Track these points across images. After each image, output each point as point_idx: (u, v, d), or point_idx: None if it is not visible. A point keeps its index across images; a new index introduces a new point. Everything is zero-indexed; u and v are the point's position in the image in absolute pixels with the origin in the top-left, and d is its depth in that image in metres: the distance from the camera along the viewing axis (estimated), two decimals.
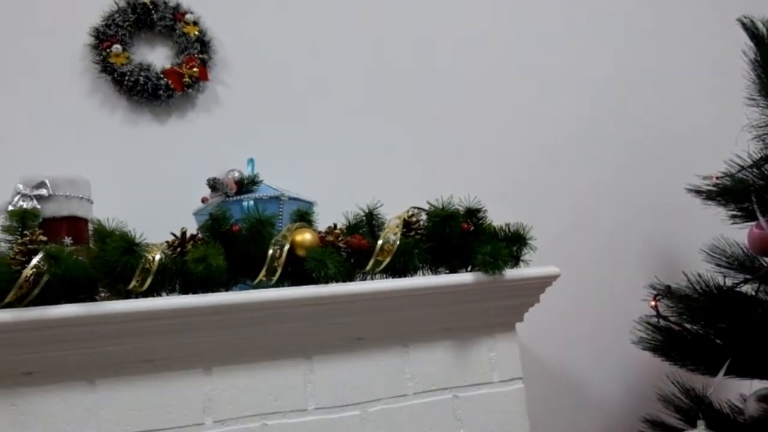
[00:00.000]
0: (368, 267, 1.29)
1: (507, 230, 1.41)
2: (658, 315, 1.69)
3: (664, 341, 1.71)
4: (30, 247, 1.12)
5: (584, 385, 2.00)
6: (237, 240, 1.24)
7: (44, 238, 1.14)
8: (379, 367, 1.31)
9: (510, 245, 1.39)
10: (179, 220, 1.38)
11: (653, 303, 1.71)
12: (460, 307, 1.35)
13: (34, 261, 1.10)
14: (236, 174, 1.47)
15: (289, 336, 1.25)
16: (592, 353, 2.02)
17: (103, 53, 1.72)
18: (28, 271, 1.09)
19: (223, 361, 1.22)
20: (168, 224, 1.25)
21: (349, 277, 1.28)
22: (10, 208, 1.33)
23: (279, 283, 1.24)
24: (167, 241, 1.22)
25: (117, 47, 1.72)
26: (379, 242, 1.30)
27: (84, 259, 1.14)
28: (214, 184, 1.44)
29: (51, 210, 1.32)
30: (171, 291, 1.19)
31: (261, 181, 1.48)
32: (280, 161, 1.74)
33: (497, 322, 1.41)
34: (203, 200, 1.49)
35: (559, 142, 2.15)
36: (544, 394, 1.89)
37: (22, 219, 1.18)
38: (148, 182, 1.71)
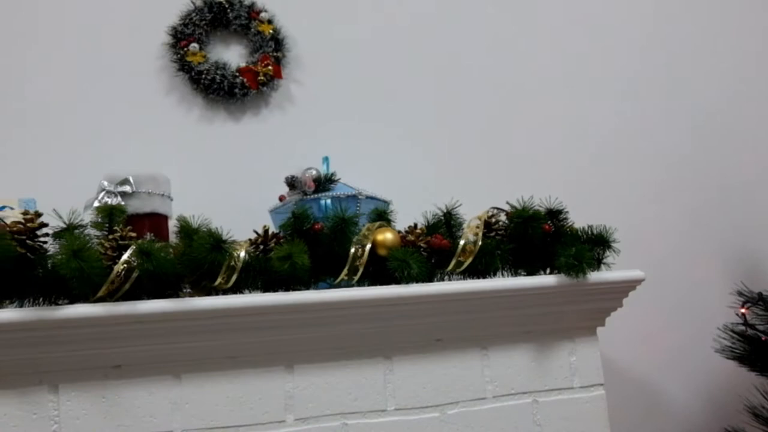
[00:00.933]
0: (449, 267, 1.28)
1: (590, 232, 1.37)
2: (746, 323, 1.63)
3: (751, 351, 1.65)
4: (120, 242, 1.14)
5: (662, 393, 1.95)
6: (319, 238, 1.24)
7: (134, 234, 1.16)
8: (458, 369, 1.30)
9: (593, 247, 1.35)
10: (254, 217, 1.40)
11: (743, 310, 1.65)
12: (541, 309, 1.33)
13: (125, 256, 1.12)
14: (314, 172, 1.47)
15: (370, 336, 1.25)
16: (671, 360, 1.96)
17: (181, 52, 1.75)
18: (119, 267, 1.11)
19: (305, 360, 1.22)
20: (242, 222, 1.26)
21: (429, 278, 1.27)
22: (96, 204, 1.36)
23: (360, 283, 1.24)
24: (250, 239, 1.23)
25: (194, 46, 1.75)
26: (461, 242, 1.29)
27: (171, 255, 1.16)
28: (292, 182, 1.45)
29: (134, 206, 1.35)
30: (253, 289, 1.20)
31: (338, 180, 1.48)
32: (352, 159, 1.74)
33: (578, 326, 1.38)
34: (281, 198, 1.50)
35: (633, 140, 2.09)
36: (621, 401, 1.85)
37: (109, 215, 1.20)
38: (223, 180, 1.74)
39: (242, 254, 1.17)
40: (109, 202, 1.36)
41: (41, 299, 1.12)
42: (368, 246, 1.24)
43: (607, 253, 1.38)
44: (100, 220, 1.19)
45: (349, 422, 1.23)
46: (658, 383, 1.93)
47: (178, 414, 1.16)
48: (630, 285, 1.36)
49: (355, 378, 1.24)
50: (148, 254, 1.09)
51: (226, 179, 1.73)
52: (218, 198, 1.69)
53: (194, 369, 1.18)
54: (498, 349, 1.32)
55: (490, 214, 1.37)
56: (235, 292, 1.18)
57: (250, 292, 1.19)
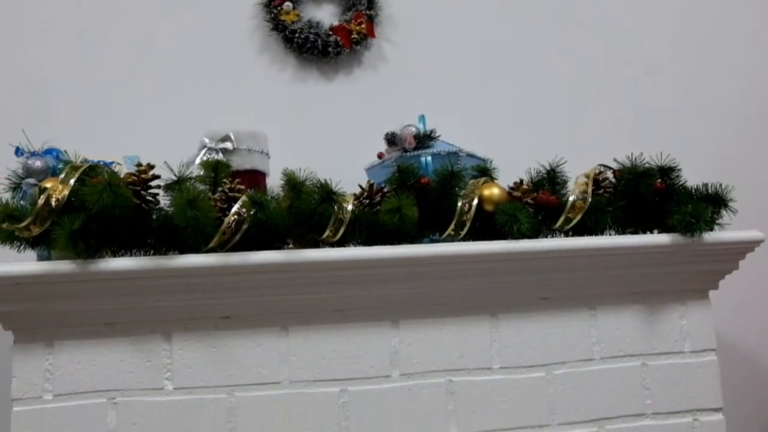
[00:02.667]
0: (558, 224, 1.24)
1: (704, 190, 1.31)
2: None
3: None
4: (230, 195, 1.15)
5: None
6: (425, 193, 1.22)
7: (242, 187, 1.16)
8: (565, 329, 1.26)
9: (707, 207, 1.29)
10: (348, 176, 1.37)
11: None
12: (651, 270, 1.28)
13: (235, 208, 1.12)
14: (413, 129, 1.44)
15: (476, 292, 1.22)
16: None
17: (274, 11, 1.74)
18: (230, 218, 1.11)
19: (410, 315, 1.21)
20: (336, 180, 1.23)
21: (536, 234, 1.23)
22: (198, 161, 1.37)
23: (466, 238, 1.21)
24: (354, 194, 1.22)
25: (288, 5, 1.74)
26: (571, 198, 1.24)
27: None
28: (392, 139, 1.43)
29: (234, 163, 1.35)
30: (359, 242, 1.19)
31: (438, 137, 1.45)
32: (446, 120, 1.70)
33: (690, 289, 1.32)
34: (379, 156, 1.48)
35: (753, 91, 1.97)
36: (731, 370, 1.76)
37: (214, 170, 1.20)
38: (315, 140, 1.73)
39: (350, 207, 1.15)
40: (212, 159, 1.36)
41: (155, 250, 1.13)
42: (475, 200, 1.21)
43: (723, 212, 1.31)
44: (205, 174, 1.19)
45: (454, 379, 1.21)
46: (763, 356, 1.84)
47: (285, 366, 1.17)
48: (748, 246, 1.29)
49: (460, 335, 1.22)
50: (261, 204, 1.08)
51: (319, 139, 1.72)
52: (310, 157, 1.65)
53: (301, 322, 1.18)
54: (606, 309, 1.28)
55: (598, 171, 1.32)
56: (340, 246, 1.16)
57: (355, 246, 1.18)
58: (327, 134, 1.74)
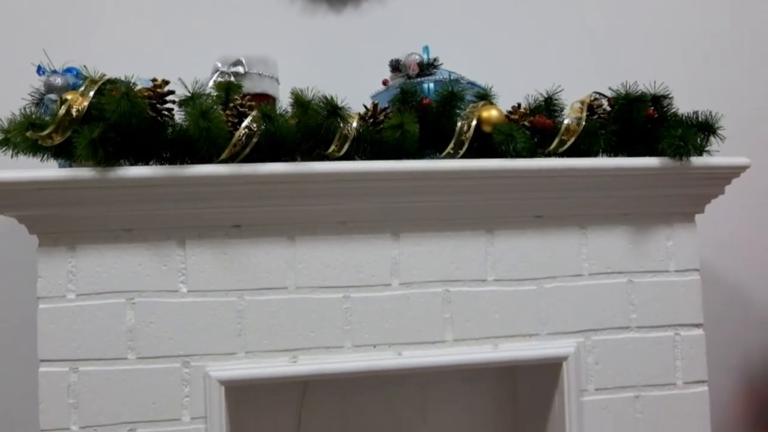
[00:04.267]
0: (552, 146, 1.27)
1: (695, 118, 1.33)
2: None
3: None
4: (241, 110, 1.18)
5: (749, 295, 1.90)
6: (426, 114, 1.24)
7: (253, 104, 1.19)
8: (557, 246, 1.31)
9: (696, 132, 1.31)
10: (354, 104, 1.39)
11: None
12: (641, 192, 1.31)
13: (246, 122, 1.15)
14: (417, 57, 1.46)
15: (473, 208, 1.26)
16: (764, 258, 1.90)
17: None
18: (241, 131, 1.14)
19: (410, 229, 1.25)
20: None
21: (532, 155, 1.26)
22: (211, 83, 1.39)
23: (464, 157, 1.24)
24: (359, 113, 1.24)
25: None
26: (566, 121, 1.27)
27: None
28: (396, 65, 1.45)
29: (246, 87, 1.37)
30: (363, 158, 1.22)
31: (441, 65, 1.47)
32: (451, 53, 1.71)
33: (677, 212, 1.36)
34: (384, 83, 1.50)
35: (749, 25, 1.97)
36: (712, 293, 1.80)
37: (227, 90, 1.23)
38: (323, 70, 1.74)
39: (354, 124, 1.19)
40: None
41: (170, 161, 1.16)
42: (474, 121, 1.24)
43: (712, 139, 1.33)
44: (217, 95, 1.22)
45: (451, 289, 1.26)
46: (748, 283, 1.88)
47: (291, 273, 1.22)
48: (734, 172, 1.32)
49: (457, 248, 1.27)
50: (270, 117, 1.12)
51: (327, 71, 1.74)
52: (319, 88, 1.69)
53: (307, 232, 1.22)
54: (596, 229, 1.32)
55: (593, 98, 1.35)
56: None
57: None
58: (335, 66, 1.75)
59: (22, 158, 1.15)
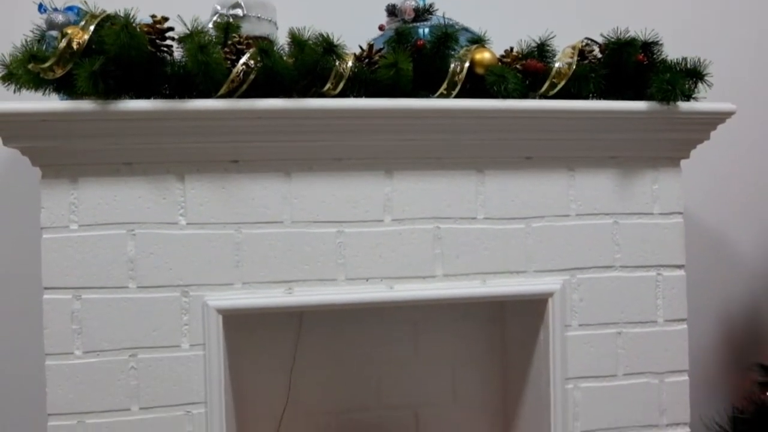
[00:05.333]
0: (543, 89, 1.28)
1: (683, 64, 1.33)
2: None
3: None
4: (239, 47, 1.18)
5: (731, 240, 1.92)
6: (421, 55, 1.25)
7: (251, 41, 1.19)
8: (545, 187, 1.32)
9: (685, 79, 1.32)
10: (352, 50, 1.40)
11: None
12: (628, 135, 1.32)
13: (244, 58, 1.15)
14: (412, 2, 1.46)
15: (465, 148, 1.27)
16: (747, 207, 1.91)
17: None
18: (239, 67, 1.15)
19: (403, 167, 1.26)
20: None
21: (522, 97, 1.27)
22: (210, 25, 1.39)
23: (457, 98, 1.25)
24: (354, 54, 1.24)
25: None
26: (557, 64, 1.28)
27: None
28: (392, 10, 1.45)
29: (244, 30, 1.36)
30: (358, 98, 1.22)
31: (436, 11, 1.46)
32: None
33: (663, 156, 1.37)
34: (380, 28, 1.50)
35: None
36: (696, 240, 1.82)
37: (225, 30, 1.23)
38: (321, 17, 1.72)
39: (350, 63, 1.19)
40: None
41: (169, 97, 1.17)
42: (467, 63, 1.24)
43: (700, 86, 1.34)
44: (216, 35, 1.21)
45: (441, 226, 1.28)
46: (729, 229, 1.90)
47: (287, 207, 1.23)
48: (719, 117, 1.33)
49: (448, 187, 1.28)
50: (267, 52, 1.12)
51: (324, 17, 1.71)
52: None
53: (303, 168, 1.23)
54: (584, 171, 1.33)
55: (585, 43, 1.35)
56: None
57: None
58: (333, 12, 1.74)
59: (25, 93, 1.16)
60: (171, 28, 1.17)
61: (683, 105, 1.30)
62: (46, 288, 1.18)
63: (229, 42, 1.18)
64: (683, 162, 1.39)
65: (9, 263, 1.56)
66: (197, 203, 1.20)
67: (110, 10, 1.18)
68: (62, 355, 1.18)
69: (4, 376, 1.55)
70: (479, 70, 1.26)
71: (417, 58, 1.24)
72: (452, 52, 1.26)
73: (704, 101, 1.34)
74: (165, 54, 1.16)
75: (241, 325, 1.32)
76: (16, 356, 1.55)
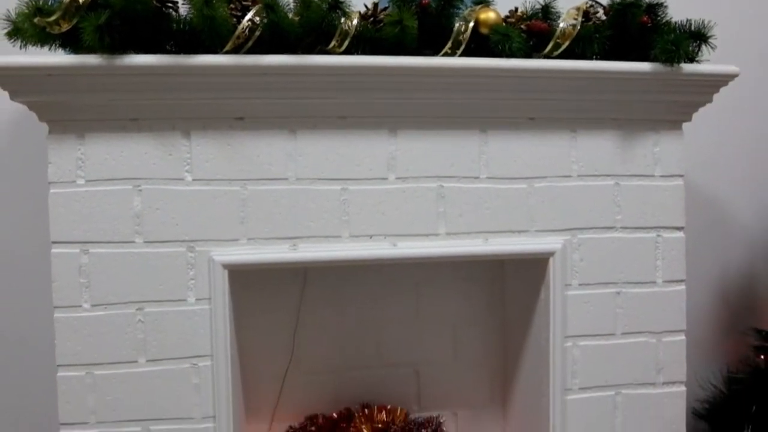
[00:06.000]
0: (547, 49, 1.26)
1: (687, 26, 1.32)
2: None
3: None
4: (244, 3, 1.16)
5: (730, 205, 1.91)
6: (425, 14, 1.23)
7: None
8: (548, 148, 1.31)
9: (689, 40, 1.30)
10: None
11: None
12: (631, 97, 1.31)
13: (249, 15, 1.14)
14: None
15: (469, 108, 1.26)
16: (747, 171, 1.90)
17: None
18: (244, 23, 1.14)
19: (407, 126, 1.26)
20: None
21: (526, 56, 1.25)
22: None
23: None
24: (359, 12, 1.23)
25: None
26: (561, 24, 1.26)
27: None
28: None
29: None
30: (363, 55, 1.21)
31: None
32: None
33: (665, 119, 1.36)
34: None
35: None
36: (695, 206, 1.81)
37: None
38: None
39: (355, 21, 1.18)
40: None
41: (175, 53, 1.16)
42: (471, 23, 1.23)
43: (704, 48, 1.32)
44: None
45: (445, 185, 1.27)
46: (728, 193, 1.89)
47: (292, 164, 1.23)
48: (722, 79, 1.32)
49: (452, 146, 1.27)
50: (272, 7, 1.11)
51: None
52: None
53: (308, 126, 1.23)
54: (586, 133, 1.33)
55: (589, 4, 1.33)
56: None
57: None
58: None
59: (31, 49, 1.14)
60: None
61: (686, 67, 1.29)
62: (54, 242, 1.18)
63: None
64: (685, 125, 1.38)
65: (19, 218, 1.55)
66: (203, 160, 1.20)
67: None
68: (70, 308, 1.18)
69: (16, 329, 1.56)
70: (484, 30, 1.25)
71: (422, 17, 1.23)
72: (457, 12, 1.25)
73: (707, 63, 1.33)
74: (170, 9, 1.15)
75: (245, 285, 1.32)
76: (26, 310, 1.56)
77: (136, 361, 1.20)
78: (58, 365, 1.18)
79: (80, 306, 1.18)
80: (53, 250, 1.18)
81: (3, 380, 1.57)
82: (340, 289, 1.50)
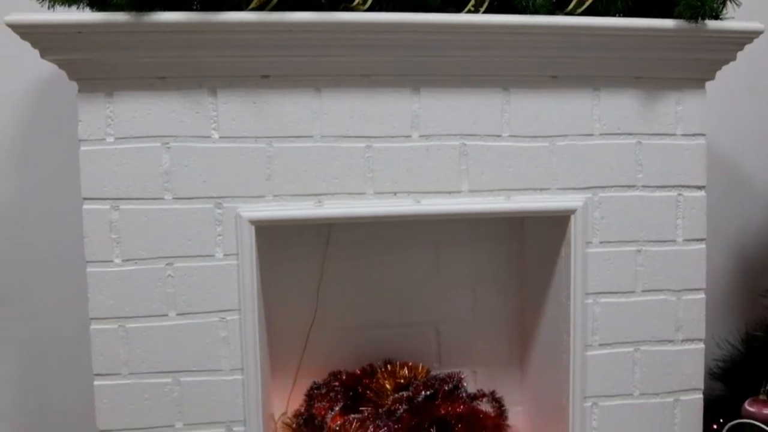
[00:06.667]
0: (571, 6, 1.25)
1: None
2: None
3: None
4: None
5: (752, 167, 1.89)
6: None
7: None
8: (570, 106, 1.30)
9: None
10: None
11: None
12: (654, 55, 1.29)
13: None
14: None
15: (491, 66, 1.25)
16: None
17: None
18: None
19: (430, 84, 1.25)
20: None
21: (550, 14, 1.24)
22: None
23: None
24: None
25: None
26: None
27: None
28: None
29: None
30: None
31: None
32: None
33: (688, 77, 1.34)
34: None
35: None
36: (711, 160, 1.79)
37: None
38: None
39: None
40: None
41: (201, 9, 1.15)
42: None
43: (728, 5, 1.30)
44: None
45: (468, 143, 1.27)
46: (748, 153, 1.87)
47: (317, 122, 1.23)
48: (747, 37, 1.30)
49: (474, 105, 1.27)
50: None
51: None
52: None
53: (333, 84, 1.22)
54: (609, 91, 1.31)
55: None
56: None
57: None
58: None
59: (59, 9, 1.14)
60: None
61: (711, 23, 1.26)
62: (85, 198, 1.19)
63: None
64: (708, 85, 1.36)
65: (52, 175, 1.57)
66: (229, 117, 1.20)
67: None
68: (102, 263, 1.20)
69: (48, 283, 1.58)
70: None
71: None
72: None
73: (732, 20, 1.30)
74: None
75: (271, 243, 1.33)
76: (59, 266, 1.58)
77: (166, 315, 1.21)
78: (91, 318, 1.20)
79: (111, 261, 1.20)
80: (84, 207, 1.19)
81: (38, 333, 1.60)
82: (363, 248, 1.51)
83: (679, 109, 1.35)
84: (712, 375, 1.69)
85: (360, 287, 1.53)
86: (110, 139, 1.19)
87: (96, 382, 1.21)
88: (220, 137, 1.21)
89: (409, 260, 1.54)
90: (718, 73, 1.36)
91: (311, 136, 1.22)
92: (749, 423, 1.34)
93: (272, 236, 1.34)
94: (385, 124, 1.24)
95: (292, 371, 1.51)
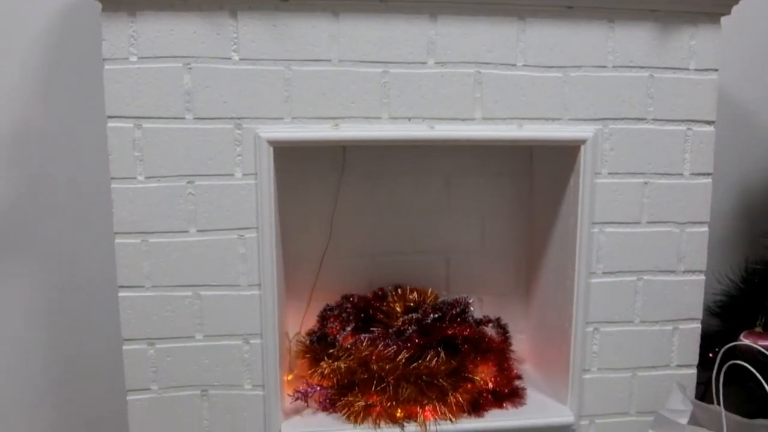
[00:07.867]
0: None
1: None
2: None
3: None
4: None
5: (759, 103, 1.86)
6: None
7: None
8: (584, 37, 1.28)
9: None
10: None
11: None
12: None
13: None
14: None
15: None
16: None
17: None
18: None
19: (447, 11, 1.24)
20: None
21: None
22: None
23: None
24: None
25: None
26: None
27: None
28: None
29: None
30: None
31: None
32: None
33: (703, 11, 1.31)
34: None
35: None
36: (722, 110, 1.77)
37: None
38: None
39: None
40: None
41: None
42: None
43: None
44: None
45: (482, 71, 1.26)
46: (756, 96, 1.84)
47: (335, 46, 1.22)
48: None
49: (490, 33, 1.25)
50: None
51: None
52: None
53: (350, 9, 1.21)
54: (623, 23, 1.29)
55: None
56: None
57: None
58: None
59: None
60: None
61: None
62: (109, 116, 1.20)
63: None
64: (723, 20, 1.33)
65: (76, 93, 1.57)
66: (249, 39, 1.20)
67: None
68: (126, 179, 1.21)
69: (75, 197, 1.60)
70: None
71: None
72: None
73: None
74: None
75: (288, 167, 1.33)
76: (84, 182, 1.59)
77: (187, 231, 1.23)
78: (115, 233, 1.22)
79: (135, 178, 1.21)
80: (109, 125, 1.20)
81: (63, 247, 1.62)
82: (377, 178, 1.52)
83: (693, 43, 1.33)
84: (709, 311, 1.70)
85: (372, 216, 1.55)
86: (133, 59, 1.19)
87: (120, 294, 1.24)
88: (240, 59, 1.20)
89: (420, 191, 1.55)
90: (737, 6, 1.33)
91: (329, 60, 1.22)
92: (745, 345, 1.35)
93: (289, 164, 1.34)
94: (401, 50, 1.23)
95: (306, 294, 1.54)
